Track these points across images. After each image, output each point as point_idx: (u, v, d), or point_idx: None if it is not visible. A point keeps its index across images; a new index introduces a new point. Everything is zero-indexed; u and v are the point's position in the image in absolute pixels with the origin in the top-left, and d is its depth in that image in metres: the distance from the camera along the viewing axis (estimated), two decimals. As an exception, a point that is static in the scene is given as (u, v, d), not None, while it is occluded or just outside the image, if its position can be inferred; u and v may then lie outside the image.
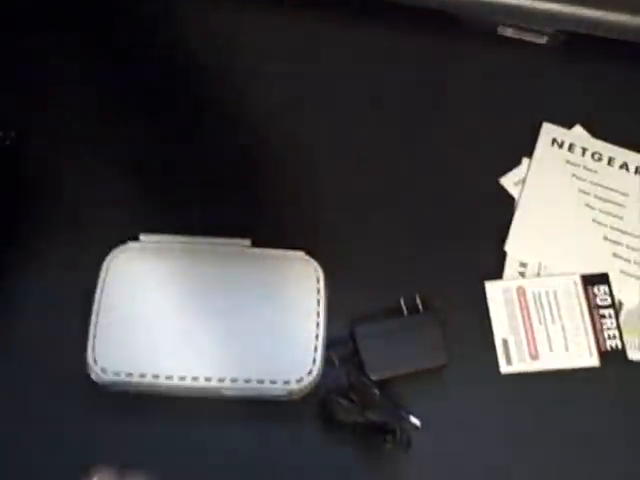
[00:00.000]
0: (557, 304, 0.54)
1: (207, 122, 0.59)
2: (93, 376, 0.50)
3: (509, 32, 0.61)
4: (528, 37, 0.61)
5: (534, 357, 0.53)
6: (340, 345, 0.52)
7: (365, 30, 0.62)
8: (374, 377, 0.50)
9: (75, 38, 0.60)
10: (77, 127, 0.58)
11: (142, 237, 0.55)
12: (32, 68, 0.59)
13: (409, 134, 0.60)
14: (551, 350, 0.53)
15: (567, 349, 0.53)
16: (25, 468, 0.50)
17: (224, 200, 0.57)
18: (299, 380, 0.50)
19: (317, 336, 0.51)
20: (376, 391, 0.49)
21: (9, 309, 0.54)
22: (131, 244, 0.54)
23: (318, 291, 0.52)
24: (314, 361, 0.50)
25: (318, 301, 0.52)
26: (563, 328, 0.54)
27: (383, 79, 0.62)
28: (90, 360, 0.50)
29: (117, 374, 0.50)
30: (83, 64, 0.59)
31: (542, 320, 0.54)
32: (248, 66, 0.61)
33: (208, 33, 0.62)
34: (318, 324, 0.51)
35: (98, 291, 0.52)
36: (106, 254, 0.53)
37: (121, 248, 0.54)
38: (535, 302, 0.54)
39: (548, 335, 0.54)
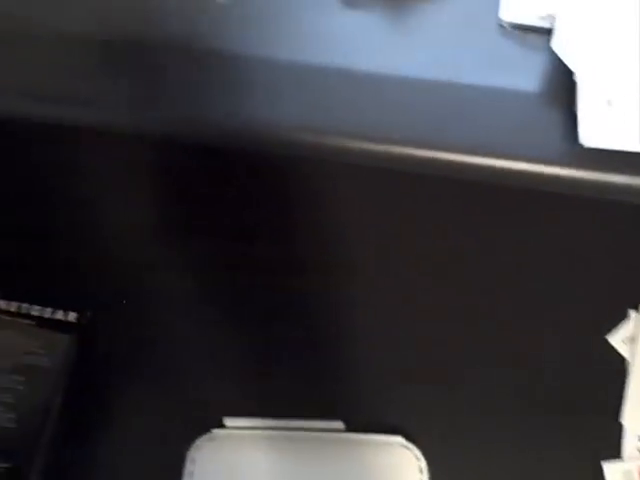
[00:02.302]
0: (685, 487, 0.49)
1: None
2: None
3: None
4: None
5: None
6: None
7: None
8: None
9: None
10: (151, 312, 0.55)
11: (227, 422, 0.51)
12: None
13: (504, 298, 0.55)
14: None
15: (701, 541, 0.48)
16: None
17: (312, 376, 0.53)
18: None
19: (425, 542, 0.47)
20: None
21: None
22: (216, 432, 0.51)
23: (421, 485, 0.48)
24: None
25: (423, 498, 0.48)
26: (695, 516, 0.49)
27: (479, 243, 0.57)
28: None
29: None
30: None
31: (670, 507, 0.49)
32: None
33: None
34: (424, 526, 0.47)
35: (184, 489, 0.49)
36: (189, 441, 0.50)
37: (206, 437, 0.50)
38: (660, 485, 0.49)
39: (678, 524, 0.49)
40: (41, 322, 0.52)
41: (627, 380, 0.53)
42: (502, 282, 0.53)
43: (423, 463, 0.49)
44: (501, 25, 0.42)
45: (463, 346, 0.54)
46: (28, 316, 0.52)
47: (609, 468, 0.50)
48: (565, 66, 0.39)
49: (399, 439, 0.50)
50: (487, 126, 0.39)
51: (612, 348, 0.54)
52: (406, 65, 0.41)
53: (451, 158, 0.38)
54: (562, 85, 0.39)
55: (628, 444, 0.51)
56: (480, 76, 0.40)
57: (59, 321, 0.52)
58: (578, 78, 0.39)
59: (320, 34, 0.43)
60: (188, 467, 0.49)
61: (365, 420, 0.51)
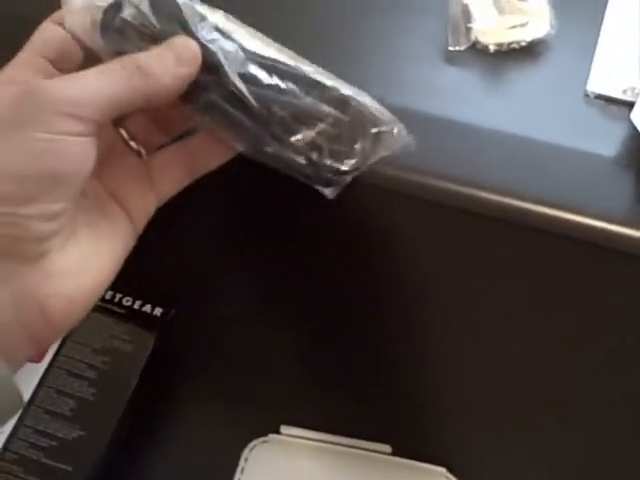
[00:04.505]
0: None
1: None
2: None
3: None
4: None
5: None
6: None
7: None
8: None
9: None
10: (228, 314, 0.59)
11: (283, 429, 0.55)
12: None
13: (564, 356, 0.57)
14: None
15: None
16: None
17: (367, 398, 0.57)
18: None
19: None
20: None
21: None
22: (271, 437, 0.54)
23: (457, 517, 0.51)
24: None
25: (457, 529, 0.50)
26: None
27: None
28: None
29: None
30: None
31: None
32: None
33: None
34: None
35: (235, 484, 0.52)
36: (245, 443, 0.54)
37: (262, 439, 0.54)
38: None
39: None
40: (130, 312, 0.57)
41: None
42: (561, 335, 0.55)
43: (462, 496, 0.51)
44: (587, 94, 0.46)
45: (522, 402, 0.55)
46: (120, 305, 0.57)
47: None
48: (640, 136, 0.43)
49: (442, 470, 0.53)
50: (561, 181, 0.43)
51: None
52: (496, 119, 0.45)
53: (524, 206, 0.42)
54: (636, 153, 0.43)
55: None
56: (562, 136, 0.44)
57: (146, 314, 0.58)
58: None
59: (422, 84, 0.48)
60: (241, 464, 0.53)
61: (412, 448, 0.53)
